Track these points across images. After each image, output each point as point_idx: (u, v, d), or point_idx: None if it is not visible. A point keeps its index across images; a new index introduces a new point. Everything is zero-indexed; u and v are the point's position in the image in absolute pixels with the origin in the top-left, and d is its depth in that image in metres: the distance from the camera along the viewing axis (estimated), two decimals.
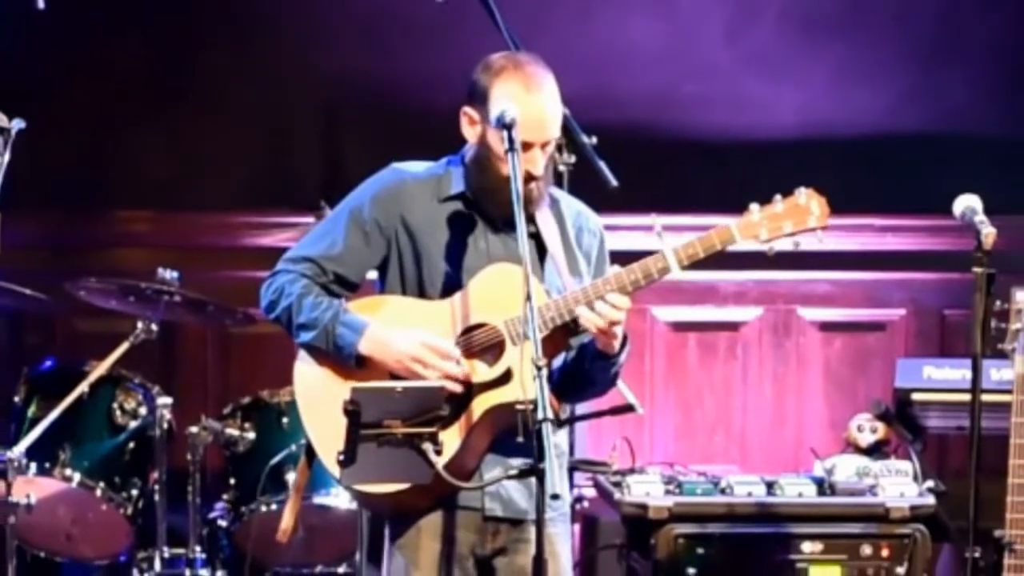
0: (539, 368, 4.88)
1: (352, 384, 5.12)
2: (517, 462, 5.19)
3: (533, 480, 4.96)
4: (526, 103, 5.20)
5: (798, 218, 5.31)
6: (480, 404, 5.21)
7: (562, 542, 5.45)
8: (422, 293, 5.34)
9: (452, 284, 5.31)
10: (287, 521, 5.56)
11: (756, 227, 5.28)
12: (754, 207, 5.29)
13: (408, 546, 5.36)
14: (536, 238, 5.32)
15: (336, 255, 5.33)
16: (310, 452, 5.40)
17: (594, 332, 5.17)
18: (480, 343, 5.27)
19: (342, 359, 5.29)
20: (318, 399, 5.35)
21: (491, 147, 5.23)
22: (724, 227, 5.26)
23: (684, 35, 8.26)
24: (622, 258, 5.35)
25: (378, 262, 5.38)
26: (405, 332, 5.24)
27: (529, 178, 5.19)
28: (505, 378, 5.19)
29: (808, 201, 5.34)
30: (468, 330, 5.29)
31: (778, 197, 5.33)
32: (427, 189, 5.35)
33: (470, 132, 5.30)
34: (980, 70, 8.20)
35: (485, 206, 5.34)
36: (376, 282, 5.43)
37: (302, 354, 5.37)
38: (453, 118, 5.33)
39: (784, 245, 5.30)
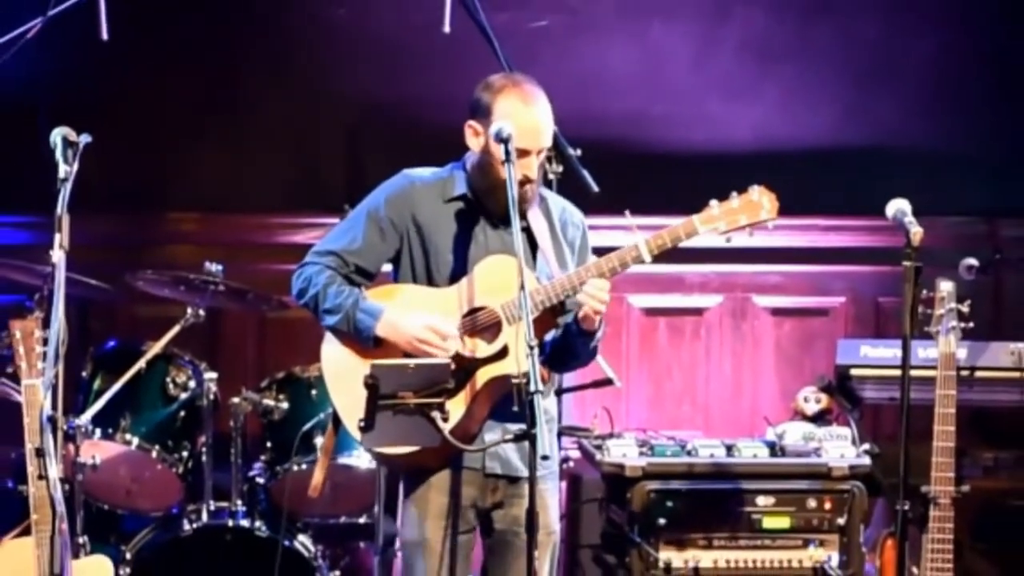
0: (531, 348, 4.92)
1: (371, 362, 5.15)
2: (514, 427, 5.19)
3: (527, 443, 4.96)
4: (524, 116, 5.22)
5: (751, 212, 5.33)
6: (482, 376, 5.21)
7: (551, 496, 5.46)
8: (430, 280, 5.34)
9: (456, 272, 5.32)
10: (317, 478, 5.58)
11: (715, 220, 5.31)
12: (713, 203, 5.31)
13: (419, 499, 5.36)
14: (528, 232, 5.30)
15: (356, 249, 5.33)
16: (336, 420, 5.40)
17: (588, 311, 5.16)
18: (481, 324, 5.27)
19: (361, 340, 5.28)
20: (342, 375, 5.35)
21: (493, 155, 5.21)
22: (688, 220, 5.30)
23: (654, 63, 8.23)
24: (602, 253, 5.33)
25: (392, 255, 5.39)
26: (414, 316, 5.24)
27: (525, 180, 5.21)
28: (503, 353, 5.20)
29: (760, 197, 5.35)
30: (470, 312, 5.29)
31: (734, 193, 5.33)
32: (434, 191, 5.35)
33: (474, 142, 5.30)
34: (909, 92, 8.17)
35: (484, 205, 5.34)
36: (391, 272, 5.42)
37: (328, 336, 5.37)
38: (459, 132, 5.34)
39: (740, 235, 5.33)
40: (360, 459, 6.88)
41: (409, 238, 5.35)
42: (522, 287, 5.01)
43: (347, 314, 5.28)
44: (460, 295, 5.32)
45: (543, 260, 5.33)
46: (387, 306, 5.27)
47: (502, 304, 5.23)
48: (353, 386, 5.25)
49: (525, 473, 5.27)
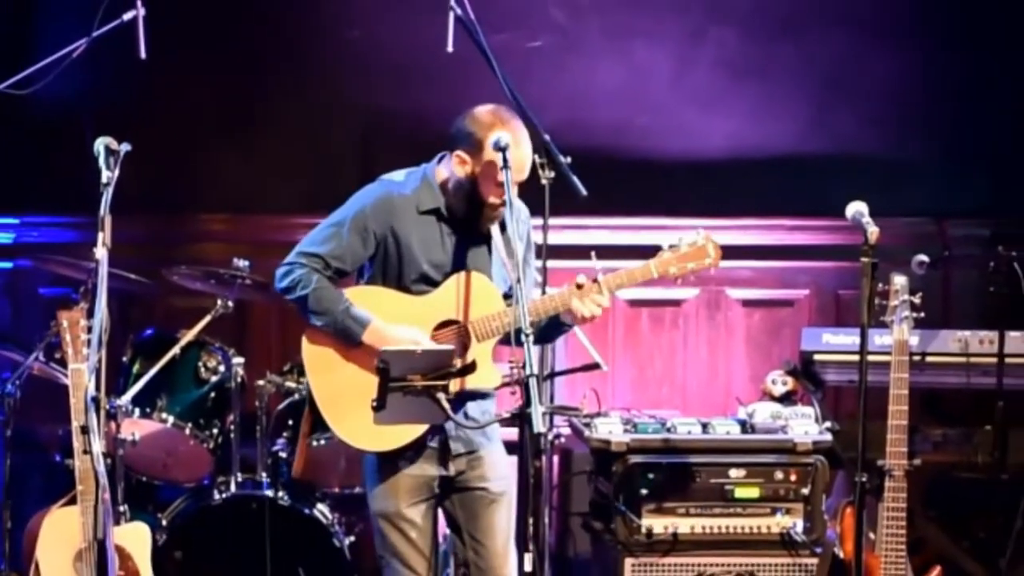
0: (527, 335, 4.94)
1: (352, 356, 5.36)
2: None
3: (483, 420, 5.39)
4: (513, 155, 5.27)
5: (698, 259, 5.47)
6: (452, 387, 5.28)
7: (502, 454, 5.58)
8: (400, 279, 5.44)
9: (423, 274, 5.43)
10: (298, 461, 6.00)
11: (667, 264, 5.45)
12: (665, 249, 5.46)
13: (390, 475, 5.47)
14: (488, 238, 5.44)
15: (339, 255, 5.41)
16: (312, 404, 5.47)
17: (581, 317, 5.35)
18: (448, 337, 5.38)
19: (345, 342, 5.39)
20: (322, 364, 5.45)
21: (480, 182, 5.33)
22: (645, 266, 5.44)
23: (636, 79, 8.21)
24: (590, 249, 5.35)
25: (369, 258, 5.47)
26: (399, 329, 5.35)
27: (502, 204, 5.30)
28: (471, 367, 5.32)
29: (706, 243, 5.48)
30: (441, 325, 5.40)
31: (683, 237, 5.48)
32: (410, 204, 5.43)
33: (460, 169, 5.37)
34: (867, 106, 8.15)
35: (451, 218, 5.44)
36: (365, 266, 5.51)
37: (309, 330, 5.45)
38: None
39: (685, 275, 5.47)
40: None
41: (386, 244, 5.43)
42: (518, 280, 5.10)
43: (336, 320, 5.37)
44: (434, 307, 5.43)
45: (498, 260, 5.46)
46: (374, 316, 5.37)
47: (472, 321, 5.37)
48: (332, 376, 5.42)
49: (484, 446, 5.49)
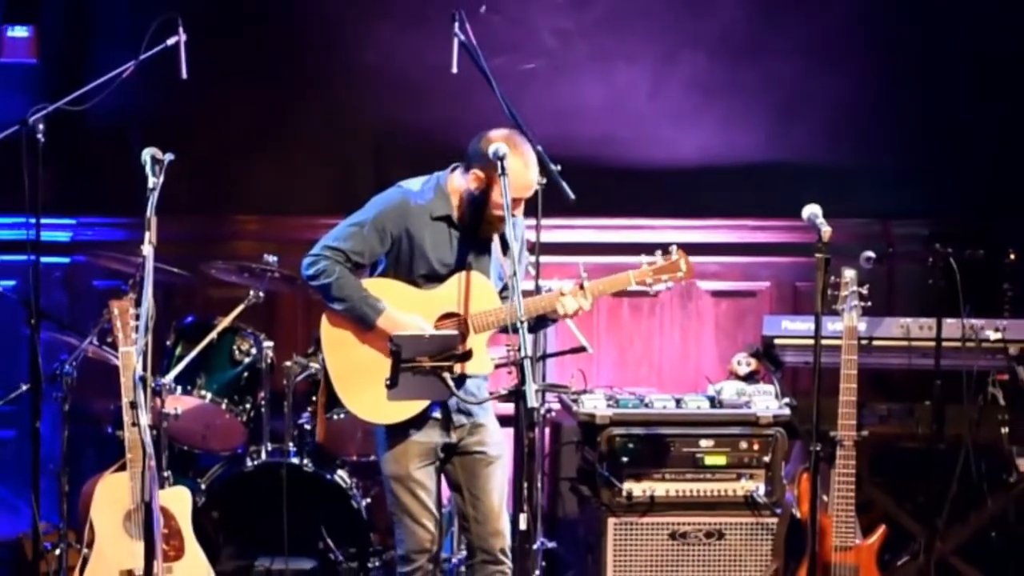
0: (522, 323, 4.97)
1: (365, 338, 5.39)
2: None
3: (480, 396, 5.44)
4: (523, 177, 5.34)
5: (672, 272, 5.54)
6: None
7: (495, 422, 5.62)
8: (410, 273, 5.47)
9: (432, 270, 5.46)
10: (319, 429, 6.03)
11: (644, 275, 5.52)
12: (644, 261, 5.53)
13: (400, 443, 5.49)
14: (487, 242, 5.47)
15: (359, 250, 5.44)
16: (327, 380, 5.48)
17: (564, 314, 5.41)
18: (449, 327, 5.40)
19: (360, 326, 5.42)
20: (338, 344, 5.46)
21: (491, 198, 5.35)
22: (625, 275, 5.52)
23: (618, 97, 8.19)
24: (576, 247, 5.35)
25: (383, 254, 5.49)
26: (408, 316, 5.39)
27: (504, 219, 5.30)
28: (468, 355, 5.33)
29: (679, 259, 5.55)
30: (444, 316, 5.43)
31: (659, 252, 5.54)
32: (424, 210, 5.46)
33: (475, 185, 5.39)
34: (820, 121, 8.12)
35: (460, 224, 5.47)
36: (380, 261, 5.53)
37: (328, 313, 5.48)
38: (462, 149, 5.41)
39: (661, 287, 5.55)
40: None
41: (401, 243, 5.45)
42: (514, 275, 5.12)
43: (354, 306, 5.40)
44: (439, 300, 5.45)
45: (497, 260, 5.51)
46: (387, 305, 5.40)
47: (471, 315, 5.40)
48: (345, 354, 5.44)
49: (481, 417, 5.54)
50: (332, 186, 8.12)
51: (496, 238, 5.46)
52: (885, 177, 8.15)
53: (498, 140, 5.29)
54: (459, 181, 5.45)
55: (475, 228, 5.44)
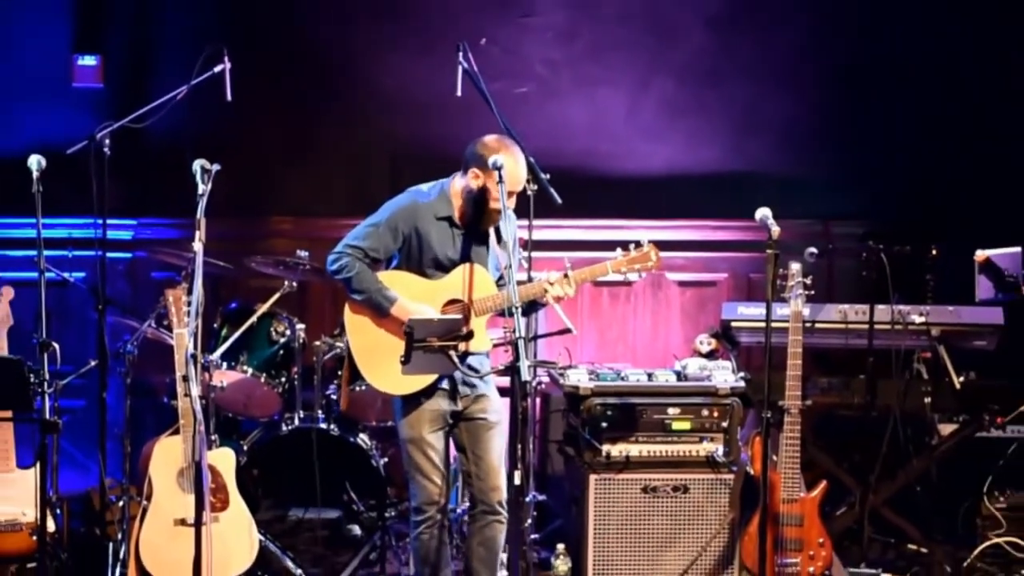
0: (516, 308, 4.99)
1: (381, 323, 5.41)
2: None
3: (482, 371, 5.46)
4: (514, 172, 5.37)
5: (643, 262, 5.61)
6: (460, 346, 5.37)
7: (495, 392, 5.65)
8: (420, 266, 5.50)
9: (439, 263, 5.50)
10: (343, 400, 6.16)
11: (620, 264, 5.58)
12: (619, 252, 5.59)
13: (414, 410, 5.52)
14: (486, 237, 5.50)
15: (375, 248, 5.48)
16: (350, 357, 5.53)
17: (549, 301, 5.46)
18: (454, 312, 5.42)
19: (377, 313, 5.45)
20: (359, 328, 5.50)
21: (490, 193, 5.37)
22: (603, 265, 5.57)
23: (599, 117, 8.20)
24: (563, 244, 5.37)
25: (396, 250, 5.52)
26: (419, 306, 5.42)
27: (499, 209, 5.34)
28: (470, 335, 5.36)
29: (649, 250, 5.61)
30: (449, 302, 5.46)
31: (633, 244, 5.59)
32: (430, 210, 5.50)
33: (474, 183, 5.43)
34: (771, 136, 8.13)
35: (462, 223, 5.50)
36: (394, 255, 5.57)
37: (350, 301, 5.52)
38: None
39: (634, 276, 5.62)
40: None
41: (410, 240, 5.49)
42: (509, 266, 5.20)
43: (371, 297, 5.44)
44: (444, 289, 5.47)
45: (495, 254, 5.53)
46: (399, 295, 5.43)
47: (473, 301, 5.44)
48: (366, 337, 5.46)
49: (483, 388, 5.57)
50: (354, 192, 8.13)
51: (492, 232, 5.49)
52: (826, 184, 8.16)
53: (492, 144, 5.36)
54: (460, 182, 5.49)
55: (476, 223, 5.46)
